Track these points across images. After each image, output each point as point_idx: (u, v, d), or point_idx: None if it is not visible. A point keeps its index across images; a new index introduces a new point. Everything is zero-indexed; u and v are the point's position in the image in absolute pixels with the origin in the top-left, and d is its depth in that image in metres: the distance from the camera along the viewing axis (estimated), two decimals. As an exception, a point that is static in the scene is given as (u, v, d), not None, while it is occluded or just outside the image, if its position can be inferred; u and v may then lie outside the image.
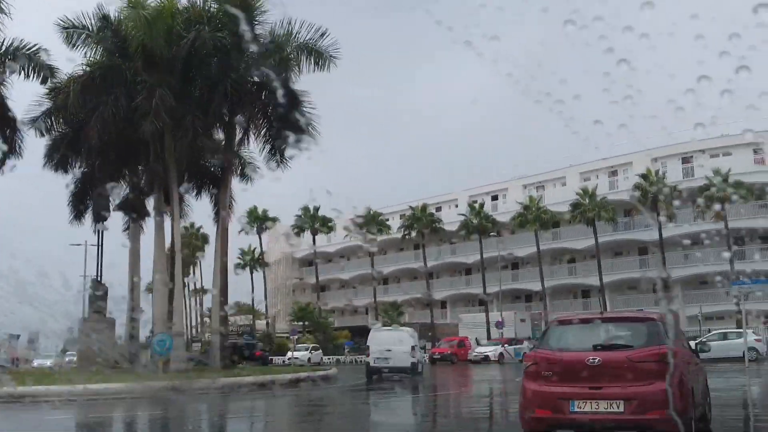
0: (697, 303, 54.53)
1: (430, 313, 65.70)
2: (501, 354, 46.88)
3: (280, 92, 23.90)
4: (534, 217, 54.36)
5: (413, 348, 29.57)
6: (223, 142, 26.72)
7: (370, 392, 22.37)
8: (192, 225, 57.84)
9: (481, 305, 68.44)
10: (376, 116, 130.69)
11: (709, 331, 47.47)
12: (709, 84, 5.74)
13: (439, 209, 71.92)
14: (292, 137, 25.57)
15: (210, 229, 67.96)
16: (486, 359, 46.69)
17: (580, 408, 7.94)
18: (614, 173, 61.25)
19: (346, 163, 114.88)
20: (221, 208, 25.26)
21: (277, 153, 26.02)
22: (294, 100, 24.15)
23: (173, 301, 26.77)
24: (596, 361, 7.97)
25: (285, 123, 25.10)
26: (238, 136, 26.77)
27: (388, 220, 71.42)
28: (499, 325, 53.43)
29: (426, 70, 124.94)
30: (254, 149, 29.02)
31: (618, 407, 7.78)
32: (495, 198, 69.21)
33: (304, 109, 25.25)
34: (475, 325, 62.55)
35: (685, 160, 57.07)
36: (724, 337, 40.04)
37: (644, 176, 49.13)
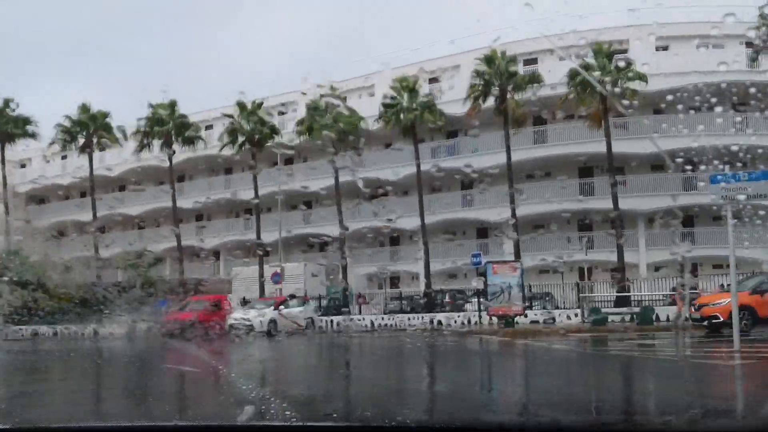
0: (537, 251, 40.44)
1: (180, 265, 47.01)
2: (273, 321, 29.60)
3: None
4: (327, 123, 37.08)
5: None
6: None
7: None
8: None
9: (267, 256, 51.16)
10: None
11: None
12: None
13: (210, 127, 53.05)
14: None
15: None
16: (251, 330, 29.19)
17: None
18: (436, 80, 45.63)
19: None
20: None
21: None
22: None
23: None
24: None
25: None
26: None
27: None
28: (276, 278, 36.14)
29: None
30: None
31: None
32: (283, 113, 51.42)
33: None
34: (248, 281, 45.32)
35: (528, 62, 42.38)
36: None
37: (488, 59, 33.38)
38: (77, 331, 38.95)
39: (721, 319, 21.24)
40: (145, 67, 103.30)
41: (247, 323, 29.18)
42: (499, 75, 33.14)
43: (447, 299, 35.78)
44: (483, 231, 48.33)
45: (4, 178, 46.89)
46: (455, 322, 31.97)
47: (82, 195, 62.44)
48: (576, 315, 28.98)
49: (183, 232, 57.60)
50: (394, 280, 51.59)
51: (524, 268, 39.94)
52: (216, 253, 58.02)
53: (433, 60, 43.93)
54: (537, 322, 29.06)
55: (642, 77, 31.08)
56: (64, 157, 60.96)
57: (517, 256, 31.93)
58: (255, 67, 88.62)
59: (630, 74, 30.49)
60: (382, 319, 35.05)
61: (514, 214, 34.52)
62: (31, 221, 62.78)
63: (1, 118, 42.79)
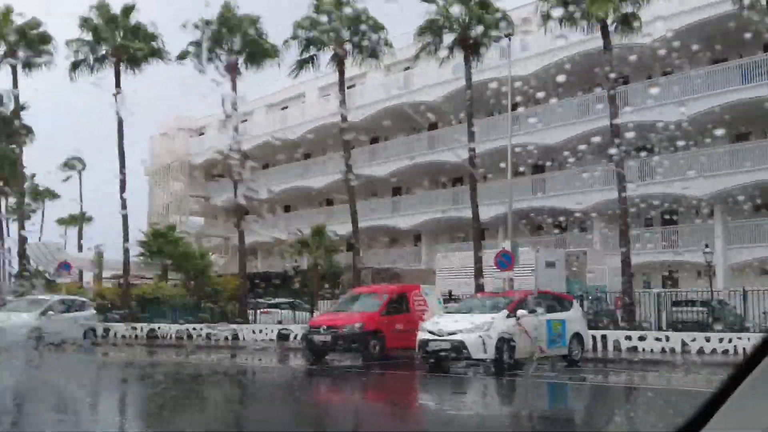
0: None
1: (356, 250, 33.16)
2: (506, 340, 13.95)
3: None
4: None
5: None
6: None
7: None
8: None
9: (482, 239, 36.21)
10: None
11: None
12: None
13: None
14: None
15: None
16: (457, 354, 13.87)
17: None
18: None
19: None
20: None
21: None
22: None
23: None
24: None
25: None
26: None
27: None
28: (503, 261, 20.65)
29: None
30: None
31: None
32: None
33: None
34: (459, 271, 30.62)
35: None
36: None
37: None
38: (213, 333, 26.18)
39: None
40: None
41: (454, 342, 13.91)
42: None
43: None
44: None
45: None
46: None
47: (265, 167, 51.14)
48: None
49: (376, 209, 44.11)
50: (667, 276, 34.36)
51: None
52: (417, 236, 43.93)
53: None
54: None
55: None
56: (244, 121, 50.06)
57: None
58: None
59: None
60: (685, 344, 18.25)
61: None
62: (211, 198, 52.57)
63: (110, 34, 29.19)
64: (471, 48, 24.46)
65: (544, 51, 33.78)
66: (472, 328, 13.72)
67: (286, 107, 49.31)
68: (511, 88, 24.63)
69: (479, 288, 22.07)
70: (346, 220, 40.94)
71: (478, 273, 24.07)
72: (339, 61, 26.83)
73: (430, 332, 14.23)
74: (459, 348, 13.64)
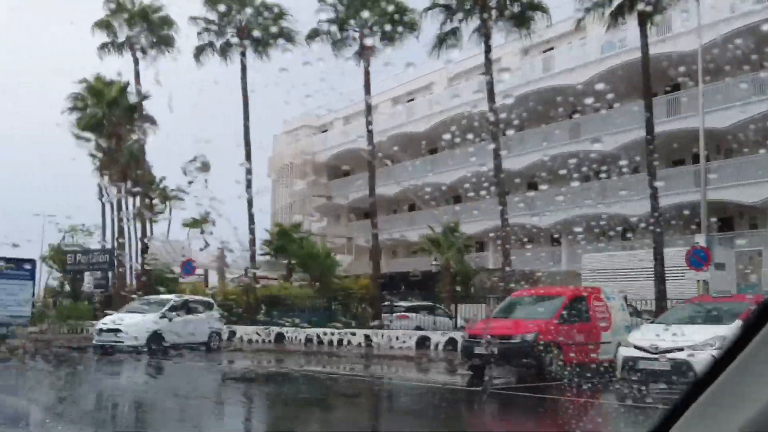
0: None
1: (504, 248, 29.67)
2: None
3: None
4: None
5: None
6: None
7: None
8: None
9: (627, 239, 32.58)
10: None
11: None
12: None
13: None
14: None
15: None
16: (682, 378, 10.14)
17: None
18: None
19: None
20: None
21: None
22: None
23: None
24: None
25: None
26: None
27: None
28: (698, 260, 16.77)
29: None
30: None
31: None
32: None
33: None
34: (611, 274, 27.33)
35: None
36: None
37: None
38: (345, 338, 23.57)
39: None
40: None
41: (679, 362, 10.33)
42: None
43: None
44: None
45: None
46: None
47: (391, 159, 48.38)
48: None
49: (510, 205, 40.37)
50: None
51: None
52: (554, 237, 39.86)
53: None
54: None
55: None
56: (364, 121, 47.60)
57: None
58: None
59: None
60: None
61: None
62: (333, 198, 50.55)
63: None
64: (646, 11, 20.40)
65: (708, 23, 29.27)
66: (702, 344, 10.11)
67: (412, 99, 46.55)
68: (701, 60, 20.52)
69: (660, 293, 18.17)
70: (475, 218, 37.76)
71: (659, 275, 19.93)
72: (486, 18, 22.93)
73: (639, 348, 10.72)
74: (684, 370, 10.07)
